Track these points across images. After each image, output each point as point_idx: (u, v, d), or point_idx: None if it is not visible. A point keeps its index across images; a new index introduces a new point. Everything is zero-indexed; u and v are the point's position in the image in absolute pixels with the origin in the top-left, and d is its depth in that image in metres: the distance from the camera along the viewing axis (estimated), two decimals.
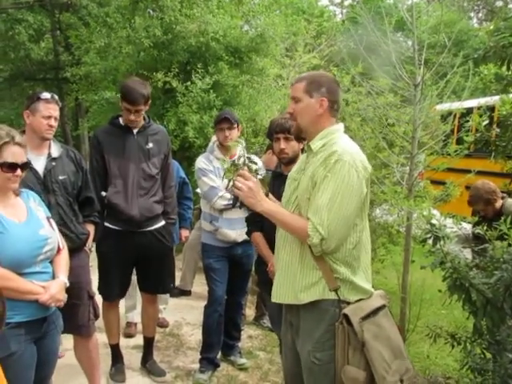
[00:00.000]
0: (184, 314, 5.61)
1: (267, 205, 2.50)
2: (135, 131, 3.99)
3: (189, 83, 7.37)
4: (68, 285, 2.78)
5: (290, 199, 2.63)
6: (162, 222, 4.12)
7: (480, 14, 39.11)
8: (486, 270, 2.43)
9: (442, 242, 2.25)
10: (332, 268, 2.43)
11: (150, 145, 4.00)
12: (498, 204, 4.85)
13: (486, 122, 2.90)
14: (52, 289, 2.65)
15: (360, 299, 2.47)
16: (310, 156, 2.59)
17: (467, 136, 4.18)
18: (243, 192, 2.46)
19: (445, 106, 8.49)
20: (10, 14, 15.13)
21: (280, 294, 2.59)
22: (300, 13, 19.01)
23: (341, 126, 2.60)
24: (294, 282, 2.50)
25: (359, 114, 6.33)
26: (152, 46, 7.46)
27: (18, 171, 2.65)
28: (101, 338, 4.31)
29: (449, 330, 3.16)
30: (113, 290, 4.09)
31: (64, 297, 2.74)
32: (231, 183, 2.51)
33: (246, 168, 2.51)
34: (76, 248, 3.40)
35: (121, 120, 4.03)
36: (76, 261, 3.34)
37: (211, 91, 7.32)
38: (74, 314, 3.37)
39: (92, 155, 4.07)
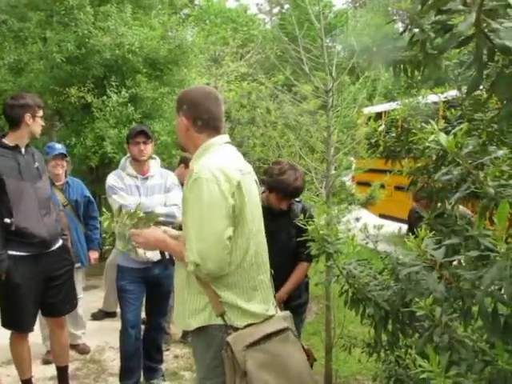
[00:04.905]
0: (107, 337, 5.38)
1: (162, 244, 2.56)
2: (23, 150, 3.79)
3: (105, 97, 7.15)
4: None
5: None
6: (61, 240, 4.02)
7: (404, 17, 40.35)
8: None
9: (334, 258, 2.19)
10: (216, 292, 2.33)
11: (37, 164, 3.85)
12: None
13: (382, 126, 2.88)
14: None
15: (250, 324, 2.36)
16: None
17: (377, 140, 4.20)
18: (142, 246, 2.65)
19: (374, 109, 8.56)
20: None
21: (175, 320, 2.53)
22: (229, 22, 19.02)
23: (217, 139, 2.45)
24: (183, 307, 2.41)
25: (279, 121, 6.33)
26: (64, 61, 7.19)
27: None
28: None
29: (364, 338, 3.11)
30: (29, 319, 3.84)
31: None
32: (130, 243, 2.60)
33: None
34: None
35: (6, 140, 3.77)
36: None
37: (129, 105, 7.13)
38: None
39: None
